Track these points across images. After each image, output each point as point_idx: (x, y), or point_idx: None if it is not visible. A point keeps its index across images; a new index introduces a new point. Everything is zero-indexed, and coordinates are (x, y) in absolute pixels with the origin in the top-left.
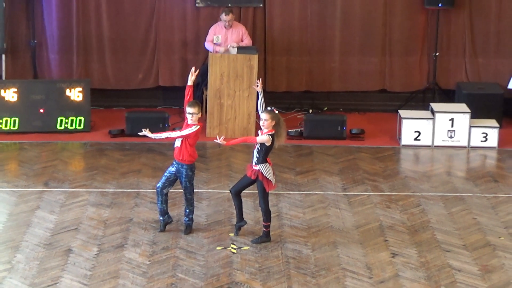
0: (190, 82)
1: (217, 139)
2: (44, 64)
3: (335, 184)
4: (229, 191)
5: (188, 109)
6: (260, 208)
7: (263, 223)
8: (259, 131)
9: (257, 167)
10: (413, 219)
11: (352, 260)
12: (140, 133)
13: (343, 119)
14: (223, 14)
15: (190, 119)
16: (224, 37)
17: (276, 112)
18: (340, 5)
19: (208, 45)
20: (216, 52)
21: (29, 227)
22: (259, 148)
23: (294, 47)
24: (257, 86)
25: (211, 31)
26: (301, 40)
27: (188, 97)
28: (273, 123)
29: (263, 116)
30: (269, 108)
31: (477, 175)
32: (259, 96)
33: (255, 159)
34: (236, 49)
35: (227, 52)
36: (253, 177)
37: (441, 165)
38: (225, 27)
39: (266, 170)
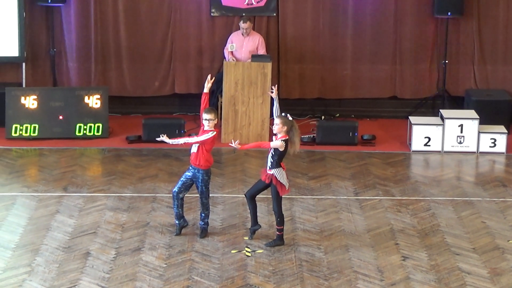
0: (206, 90)
1: (232, 144)
2: (63, 72)
3: (347, 188)
4: (244, 195)
5: (205, 116)
6: (273, 212)
7: (277, 227)
8: (273, 137)
9: (271, 172)
10: (423, 223)
11: (363, 263)
12: (158, 139)
13: (355, 125)
14: (241, 22)
15: (206, 125)
16: (240, 44)
17: (290, 118)
18: (351, 15)
19: (225, 53)
20: (233, 59)
21: (48, 230)
22: (273, 153)
23: (307, 55)
24: (272, 92)
25: (229, 39)
26: (313, 48)
27: (204, 104)
28: (285, 128)
29: (275, 120)
30: (283, 114)
31: (486, 180)
32: (275, 102)
33: (269, 164)
34: (234, 45)
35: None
36: (267, 182)
37: (451, 170)
38: (242, 34)
39: (279, 174)
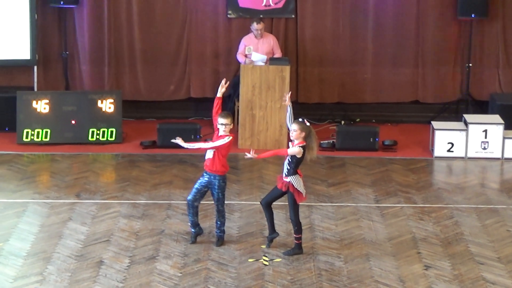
0: (219, 94)
1: (248, 154)
2: (76, 75)
3: (368, 196)
4: (259, 203)
5: (221, 120)
6: (290, 220)
7: (295, 235)
8: (289, 143)
9: (288, 179)
10: (446, 231)
11: (384, 273)
12: (172, 140)
13: (376, 131)
14: (254, 23)
15: (222, 130)
16: (255, 47)
17: (308, 124)
18: (372, 16)
19: (239, 57)
20: (249, 62)
21: (60, 238)
22: (290, 160)
23: (326, 58)
24: (286, 100)
25: (242, 43)
26: (333, 51)
27: (217, 108)
28: (303, 134)
29: (293, 126)
30: (300, 119)
31: (511, 187)
32: (289, 109)
33: (285, 171)
34: (251, 48)
35: (255, 62)
36: (284, 189)
37: (475, 177)
38: (255, 36)
39: (297, 182)
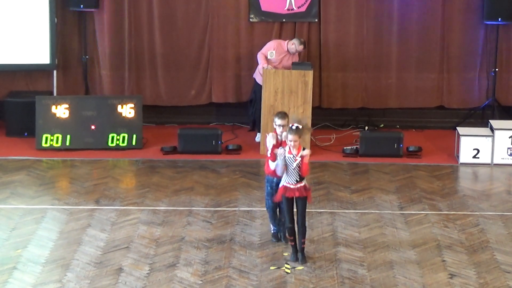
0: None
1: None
2: (96, 80)
3: (392, 202)
4: (289, 231)
5: (278, 121)
6: (303, 227)
7: (303, 240)
8: (285, 150)
9: (303, 183)
10: (471, 239)
11: (409, 281)
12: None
13: (400, 136)
14: (301, 46)
15: (279, 131)
16: (280, 58)
17: (295, 126)
18: (396, 21)
19: (260, 58)
20: (266, 67)
21: (80, 245)
22: (300, 165)
23: (350, 63)
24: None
25: (270, 45)
26: (357, 56)
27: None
28: (300, 138)
29: (290, 137)
30: (293, 127)
31: None
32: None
33: (298, 177)
34: (274, 52)
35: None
36: (303, 194)
37: (501, 184)
38: (288, 50)
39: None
